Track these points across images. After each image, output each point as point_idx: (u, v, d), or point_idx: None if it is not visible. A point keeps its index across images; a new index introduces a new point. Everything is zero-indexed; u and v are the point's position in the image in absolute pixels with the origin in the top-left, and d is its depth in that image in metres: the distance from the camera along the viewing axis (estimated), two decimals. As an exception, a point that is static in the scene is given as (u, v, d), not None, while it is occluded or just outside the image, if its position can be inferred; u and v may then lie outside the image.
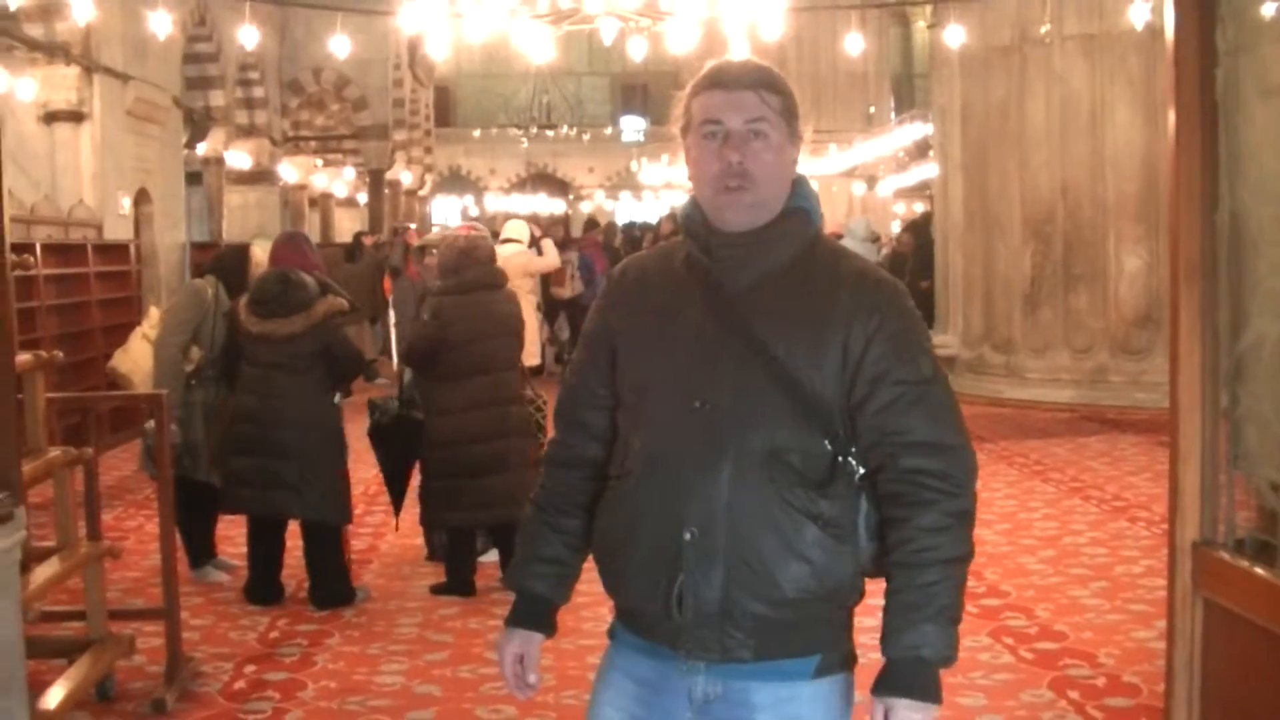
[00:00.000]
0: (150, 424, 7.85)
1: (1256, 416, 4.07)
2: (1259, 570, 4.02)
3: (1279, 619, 3.86)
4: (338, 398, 8.25)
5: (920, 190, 39.83)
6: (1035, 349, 16.84)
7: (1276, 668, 3.93)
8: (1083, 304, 16.42)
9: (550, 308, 18.89)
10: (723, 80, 2.90)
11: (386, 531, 9.71)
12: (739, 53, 14.28)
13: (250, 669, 6.79)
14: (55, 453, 5.83)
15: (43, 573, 5.61)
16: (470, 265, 8.17)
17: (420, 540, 9.18)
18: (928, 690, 2.78)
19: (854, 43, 16.24)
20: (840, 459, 2.87)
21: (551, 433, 3.23)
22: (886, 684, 2.79)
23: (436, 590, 8.23)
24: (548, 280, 18.07)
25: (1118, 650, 6.93)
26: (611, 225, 25.39)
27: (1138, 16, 14.47)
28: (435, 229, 29.14)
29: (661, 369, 2.91)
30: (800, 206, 2.97)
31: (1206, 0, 4.15)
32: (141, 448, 8.34)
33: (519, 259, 11.65)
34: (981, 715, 6.11)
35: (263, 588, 8.07)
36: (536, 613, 3.13)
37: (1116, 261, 16.20)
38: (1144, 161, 15.86)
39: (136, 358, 8.85)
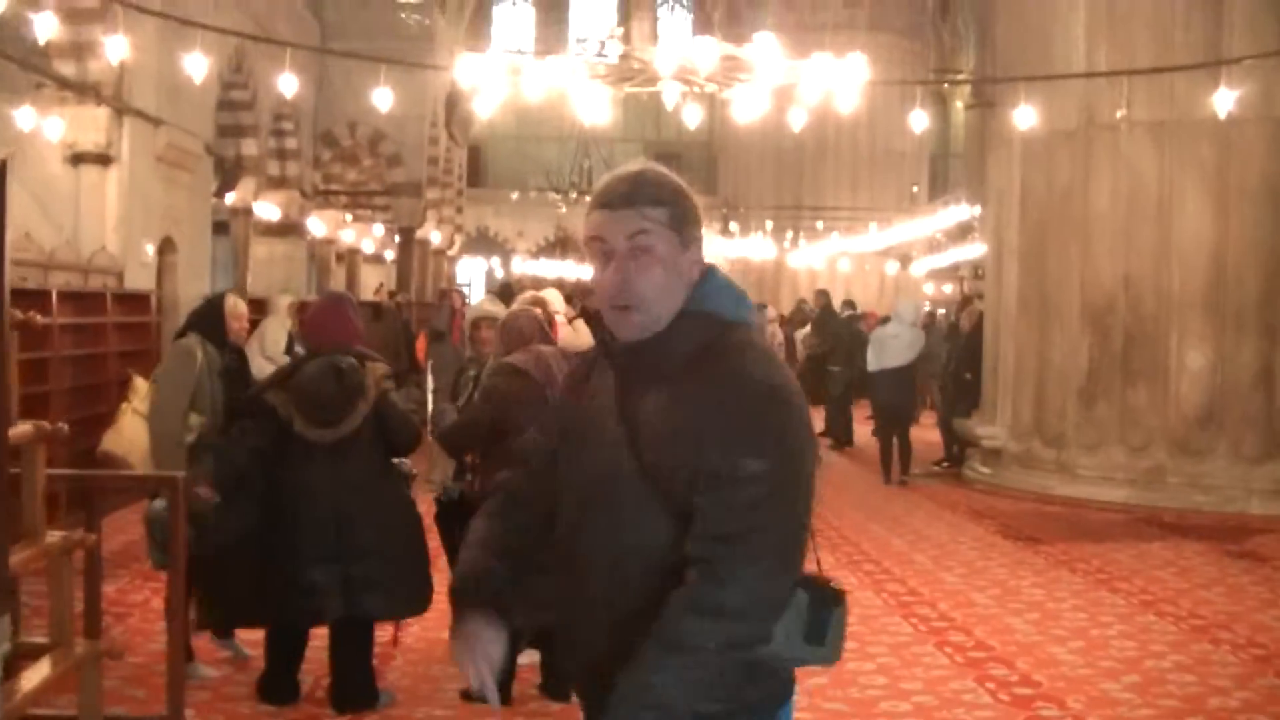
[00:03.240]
0: (158, 503, 7.12)
1: None
2: None
3: None
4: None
5: (952, 272, 39.42)
6: (1089, 445, 16.09)
7: None
8: (1141, 400, 15.69)
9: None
10: (606, 200, 3.00)
11: (412, 621, 8.93)
12: (792, 125, 13.81)
13: (260, 786, 6.07)
14: (53, 538, 5.14)
15: (31, 678, 4.89)
16: (531, 341, 7.52)
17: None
18: None
19: (918, 120, 15.61)
20: None
21: None
22: None
23: (469, 697, 7.48)
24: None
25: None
26: None
27: (1221, 104, 13.77)
28: (465, 293, 28.57)
29: (574, 465, 3.10)
30: (700, 310, 3.01)
31: None
32: (148, 534, 7.48)
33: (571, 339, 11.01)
34: None
35: (280, 685, 7.31)
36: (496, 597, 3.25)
37: (1178, 357, 15.49)
38: (1212, 254, 15.25)
39: (130, 436, 8.08)
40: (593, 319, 3.12)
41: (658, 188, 3.00)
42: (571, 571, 3.08)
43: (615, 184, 3.02)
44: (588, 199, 2.89)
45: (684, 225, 3.00)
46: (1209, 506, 14.91)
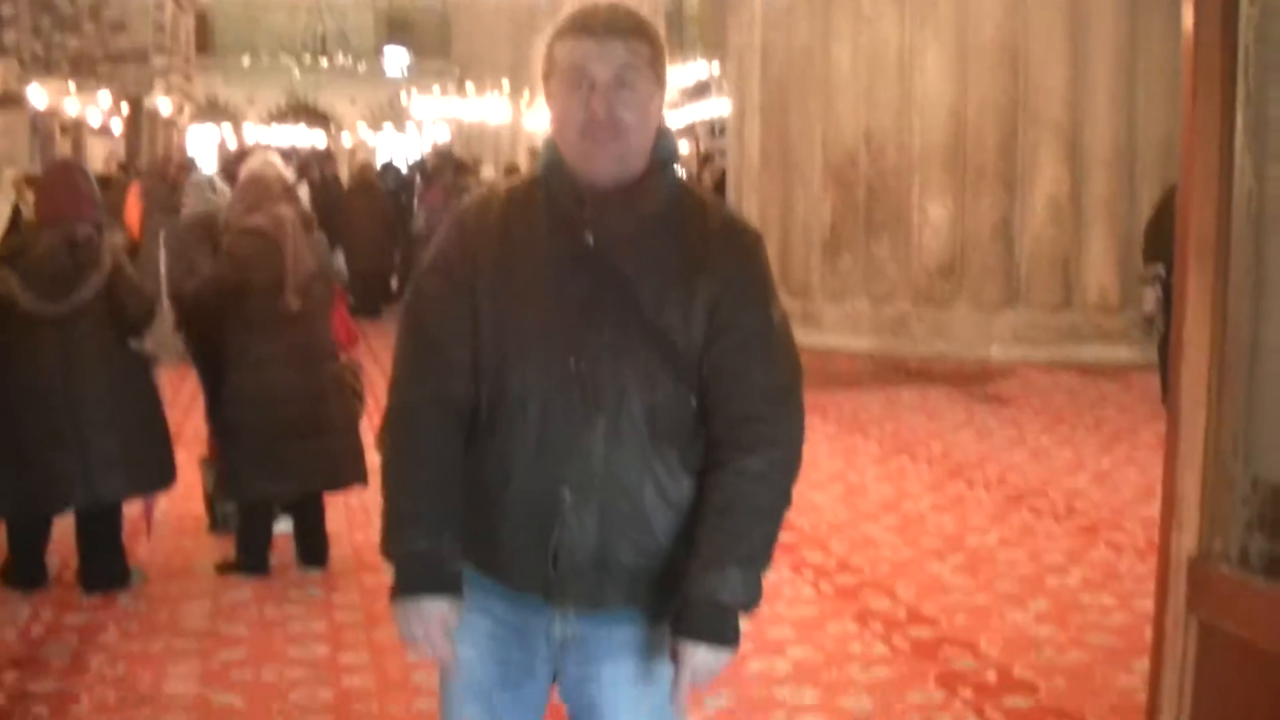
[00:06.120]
0: None
1: (1276, 418, 3.43)
2: (1268, 587, 3.37)
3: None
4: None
5: (688, 130, 39.56)
6: (833, 295, 16.28)
7: (1282, 699, 3.30)
8: (884, 251, 15.87)
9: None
10: (591, 27, 2.84)
11: (160, 497, 8.51)
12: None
13: (11, 677, 5.71)
14: None
15: None
16: (275, 201, 7.16)
17: (200, 506, 8.14)
18: (723, 635, 2.84)
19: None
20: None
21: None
22: (684, 626, 2.84)
23: (224, 569, 7.23)
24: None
25: (999, 640, 6.29)
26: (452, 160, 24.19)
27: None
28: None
29: (534, 325, 2.86)
30: (667, 158, 2.95)
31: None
32: None
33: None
34: (869, 723, 5.44)
35: (27, 569, 6.93)
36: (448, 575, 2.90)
37: (920, 210, 15.69)
38: (952, 109, 15.37)
39: None
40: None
41: (641, 22, 2.90)
42: (533, 463, 2.85)
43: (595, 12, 2.87)
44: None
45: (660, 67, 2.90)
46: (951, 354, 15.21)
